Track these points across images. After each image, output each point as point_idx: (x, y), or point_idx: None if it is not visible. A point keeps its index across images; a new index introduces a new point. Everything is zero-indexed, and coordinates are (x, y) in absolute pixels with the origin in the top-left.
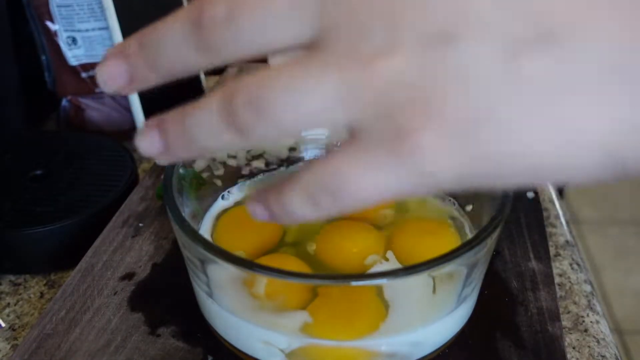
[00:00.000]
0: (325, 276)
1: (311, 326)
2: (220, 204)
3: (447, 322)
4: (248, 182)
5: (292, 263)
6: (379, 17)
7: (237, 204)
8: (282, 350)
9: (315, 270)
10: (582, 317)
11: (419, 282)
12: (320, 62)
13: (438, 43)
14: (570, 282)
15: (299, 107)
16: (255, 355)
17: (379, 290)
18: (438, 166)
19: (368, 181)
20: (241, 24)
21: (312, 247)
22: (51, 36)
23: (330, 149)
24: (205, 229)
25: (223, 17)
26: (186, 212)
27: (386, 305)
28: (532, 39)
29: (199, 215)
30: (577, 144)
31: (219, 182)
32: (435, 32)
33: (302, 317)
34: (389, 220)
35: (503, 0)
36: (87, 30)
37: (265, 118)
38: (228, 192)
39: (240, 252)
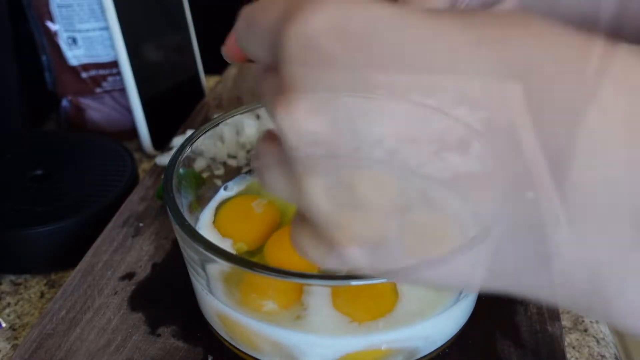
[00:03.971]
0: (326, 276)
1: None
2: (222, 195)
3: (447, 321)
4: (248, 176)
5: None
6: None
7: (239, 193)
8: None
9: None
10: (582, 316)
11: None
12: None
13: None
14: None
15: None
16: (256, 354)
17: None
18: None
19: None
20: None
21: None
22: (51, 36)
23: None
24: (205, 219)
25: None
26: (184, 203)
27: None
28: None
29: (199, 208)
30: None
31: (219, 182)
32: None
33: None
34: None
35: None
36: (87, 30)
37: None
38: (230, 184)
39: (240, 243)
